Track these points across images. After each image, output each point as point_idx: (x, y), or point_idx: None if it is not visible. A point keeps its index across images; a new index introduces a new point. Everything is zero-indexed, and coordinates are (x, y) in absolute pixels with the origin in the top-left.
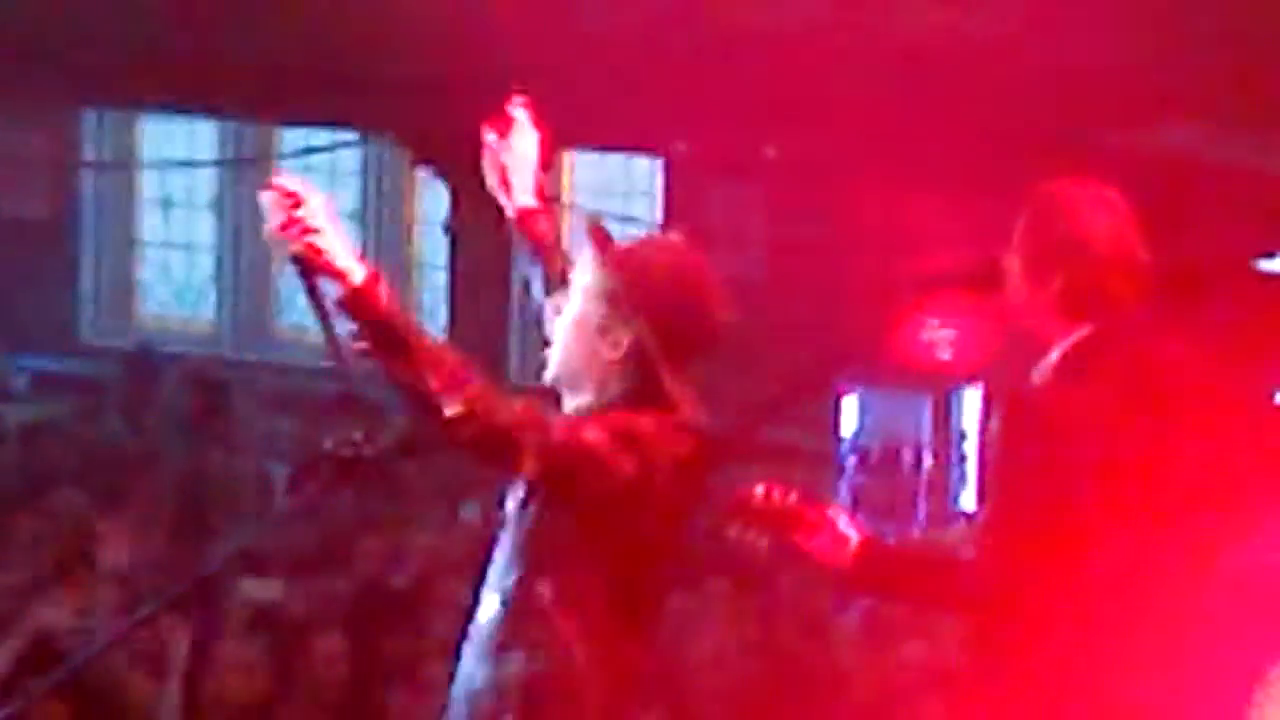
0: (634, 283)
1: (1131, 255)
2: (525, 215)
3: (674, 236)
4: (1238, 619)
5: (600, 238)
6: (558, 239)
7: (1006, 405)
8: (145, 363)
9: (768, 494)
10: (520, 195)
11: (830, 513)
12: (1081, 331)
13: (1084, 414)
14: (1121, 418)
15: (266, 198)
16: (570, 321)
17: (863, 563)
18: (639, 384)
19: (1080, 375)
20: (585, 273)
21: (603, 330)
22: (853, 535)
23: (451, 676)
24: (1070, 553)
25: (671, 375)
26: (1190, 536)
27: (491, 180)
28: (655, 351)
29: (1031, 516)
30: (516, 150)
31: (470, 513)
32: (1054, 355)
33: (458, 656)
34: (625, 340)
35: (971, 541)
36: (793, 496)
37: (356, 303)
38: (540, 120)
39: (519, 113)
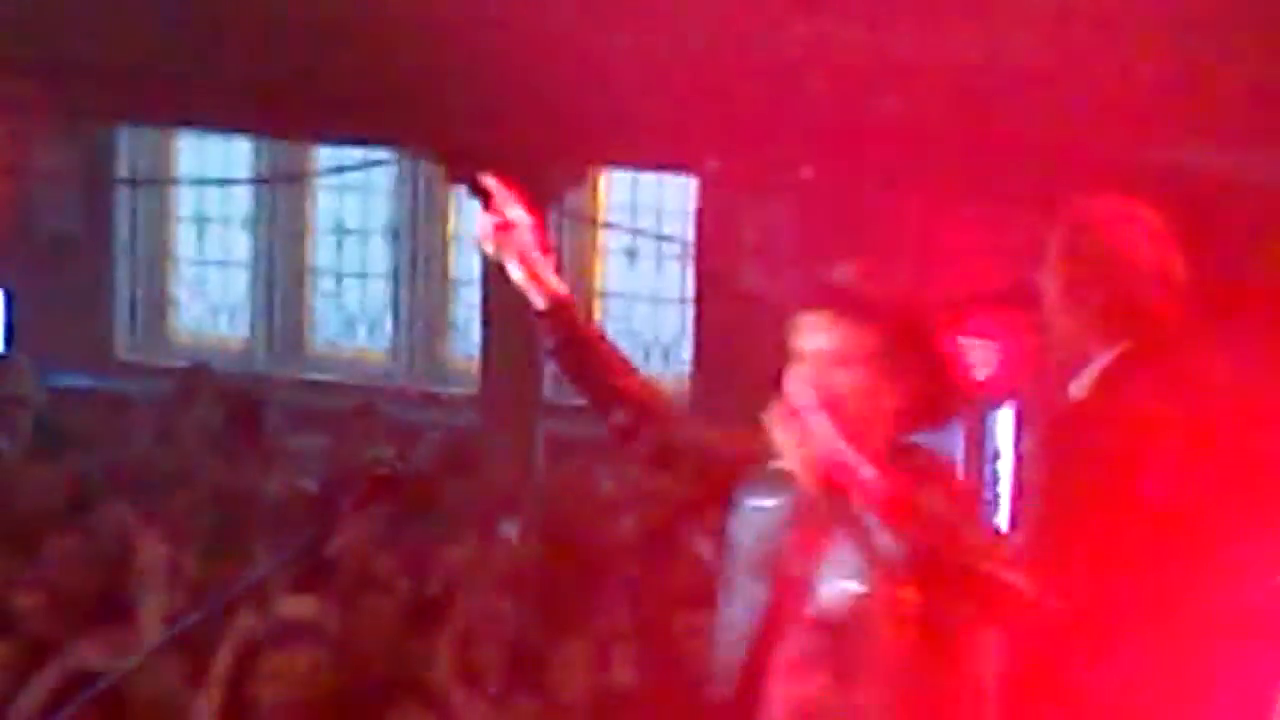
0: (909, 331)
1: (1169, 271)
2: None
3: (860, 266)
4: (1272, 633)
5: (836, 294)
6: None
7: (1047, 423)
8: (200, 381)
9: None
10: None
11: None
12: (1120, 348)
13: (1126, 430)
14: (1163, 434)
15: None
16: (847, 390)
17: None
18: (907, 435)
19: (1121, 391)
20: (835, 339)
21: (879, 391)
22: None
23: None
24: (1114, 566)
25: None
26: (1233, 550)
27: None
28: (937, 395)
29: (1074, 532)
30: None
31: (510, 530)
32: (1093, 371)
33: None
34: (906, 391)
35: (1014, 559)
36: None
37: (557, 314)
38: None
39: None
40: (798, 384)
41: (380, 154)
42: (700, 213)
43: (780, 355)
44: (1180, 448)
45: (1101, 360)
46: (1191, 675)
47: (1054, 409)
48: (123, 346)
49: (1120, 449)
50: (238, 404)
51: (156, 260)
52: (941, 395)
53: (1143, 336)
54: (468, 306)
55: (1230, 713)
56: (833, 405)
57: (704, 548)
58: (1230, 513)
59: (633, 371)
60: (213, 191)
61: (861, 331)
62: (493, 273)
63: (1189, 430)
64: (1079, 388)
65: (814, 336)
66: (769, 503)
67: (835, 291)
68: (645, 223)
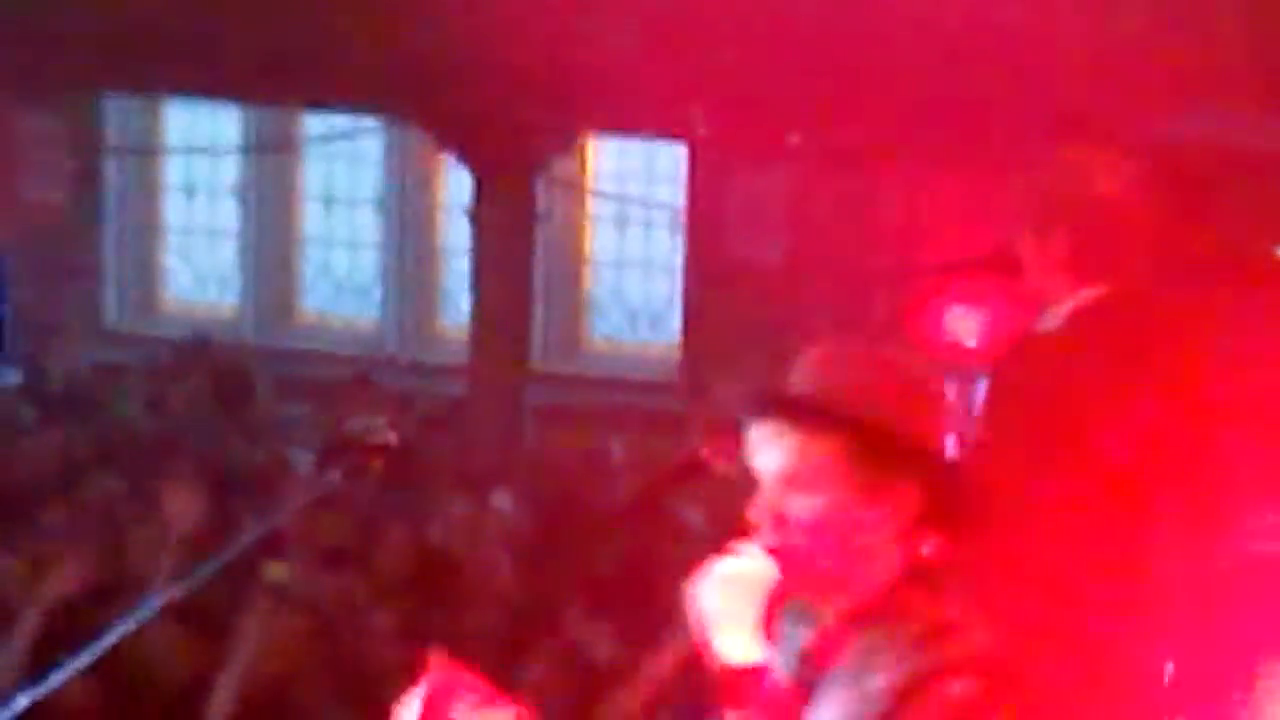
0: (886, 433)
1: (1135, 209)
2: None
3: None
4: (1229, 606)
5: (783, 403)
6: None
7: (1012, 351)
8: (200, 351)
9: None
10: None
11: None
12: (1092, 292)
13: (1090, 378)
14: (1127, 386)
15: None
16: (816, 521)
17: None
18: (912, 554)
19: (1089, 337)
20: (808, 447)
21: (871, 501)
22: None
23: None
24: (1062, 520)
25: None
26: (1189, 515)
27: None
28: (942, 488)
29: (1024, 473)
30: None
31: (503, 501)
32: (1064, 311)
33: None
34: (906, 498)
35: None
36: None
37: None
38: None
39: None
40: (755, 517)
41: (369, 122)
42: (690, 180)
43: (769, 327)
44: (1143, 402)
45: (1072, 302)
46: (1158, 629)
47: (1022, 338)
48: (112, 316)
49: (1081, 395)
50: (228, 374)
51: (145, 230)
52: (952, 499)
53: (1114, 281)
54: (457, 275)
55: (1191, 676)
56: (795, 537)
57: (691, 516)
58: (1188, 477)
59: None
60: (201, 160)
61: (821, 443)
62: (482, 242)
63: (1153, 385)
64: (1046, 322)
65: (764, 454)
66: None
67: (782, 401)
68: (634, 190)
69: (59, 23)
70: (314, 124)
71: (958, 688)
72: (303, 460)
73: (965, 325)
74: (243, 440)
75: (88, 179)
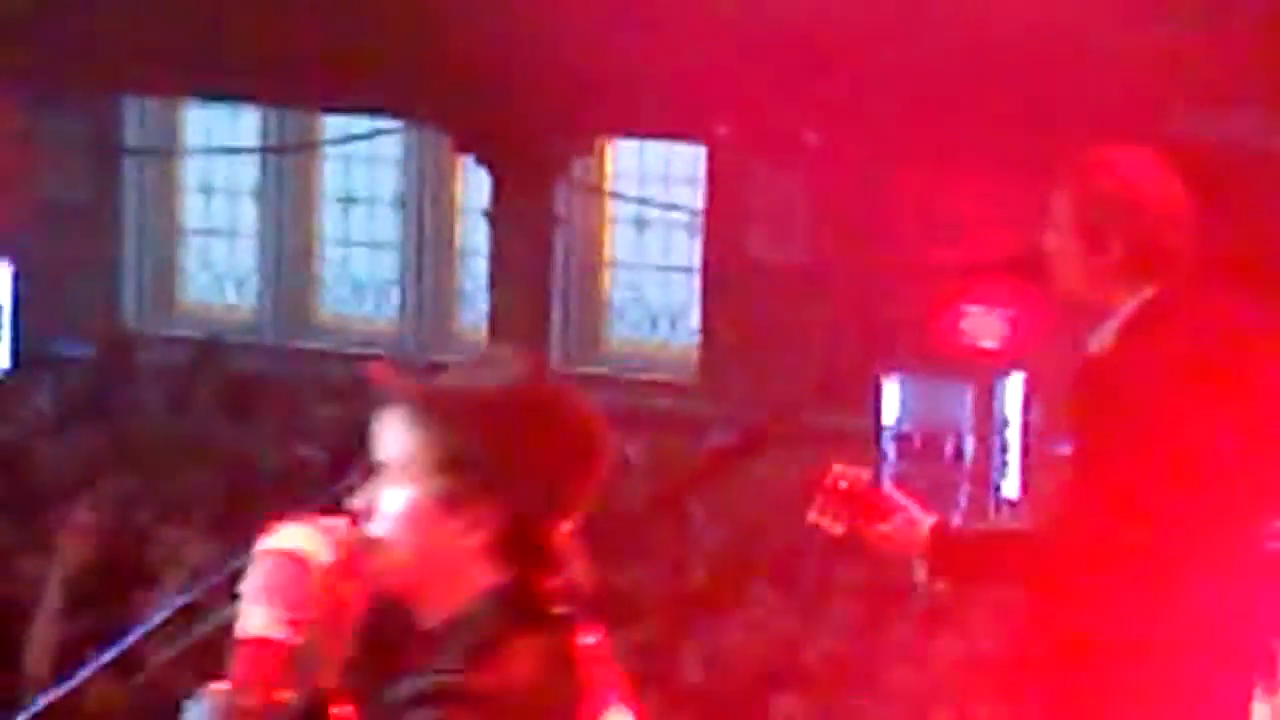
0: (483, 442)
1: (1182, 210)
2: None
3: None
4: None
5: (396, 380)
6: None
7: (1077, 374)
8: (214, 352)
9: (844, 479)
10: None
11: (901, 499)
12: (1145, 294)
13: (1158, 375)
14: (1193, 380)
15: None
16: (397, 516)
17: (937, 547)
18: (514, 576)
19: (1150, 337)
20: (407, 440)
21: (451, 509)
22: (924, 520)
23: None
24: (1145, 518)
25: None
26: (1262, 497)
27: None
28: (537, 520)
29: (1110, 483)
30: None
31: None
32: (1118, 320)
33: None
34: (491, 517)
35: (1049, 513)
36: (865, 479)
37: None
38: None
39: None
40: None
41: (388, 124)
42: (709, 182)
43: (787, 328)
44: (1208, 395)
45: (1124, 310)
46: (1209, 622)
47: (1073, 367)
48: (130, 317)
49: (1152, 394)
50: (243, 374)
51: (164, 231)
52: (528, 534)
53: (1167, 281)
54: (475, 276)
55: (1235, 663)
56: (380, 528)
57: (697, 511)
58: (1260, 460)
59: None
60: (220, 161)
61: (414, 440)
62: (500, 243)
63: (1216, 378)
64: (1099, 341)
65: (377, 440)
66: None
67: (400, 391)
68: (653, 191)
69: (79, 24)
70: (333, 125)
71: (422, 716)
72: (320, 461)
73: (986, 326)
74: (259, 441)
75: (107, 180)
